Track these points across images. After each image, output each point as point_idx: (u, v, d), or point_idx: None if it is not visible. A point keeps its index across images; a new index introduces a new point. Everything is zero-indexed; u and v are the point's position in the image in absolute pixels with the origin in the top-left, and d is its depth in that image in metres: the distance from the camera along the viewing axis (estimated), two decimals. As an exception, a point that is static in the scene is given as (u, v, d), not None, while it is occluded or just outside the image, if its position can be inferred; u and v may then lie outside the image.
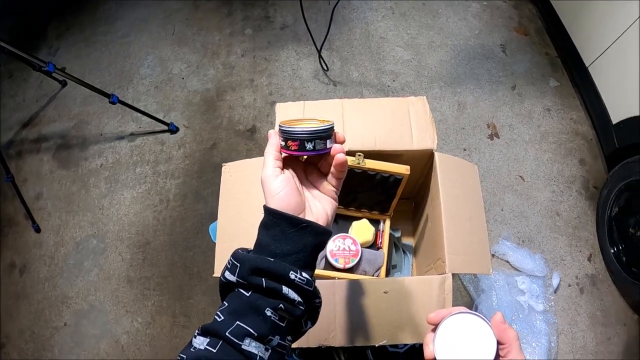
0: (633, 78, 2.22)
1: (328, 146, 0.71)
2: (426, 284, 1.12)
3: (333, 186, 0.75)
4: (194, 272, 2.33)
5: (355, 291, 1.11)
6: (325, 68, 2.85)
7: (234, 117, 2.75)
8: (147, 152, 2.66)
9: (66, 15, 3.34)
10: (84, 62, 3.07)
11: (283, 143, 0.71)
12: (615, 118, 2.35)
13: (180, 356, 0.62)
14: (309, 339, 1.09)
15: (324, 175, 0.76)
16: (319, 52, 2.71)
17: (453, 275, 1.14)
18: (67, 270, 2.40)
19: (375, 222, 1.42)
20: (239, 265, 0.66)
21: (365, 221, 1.39)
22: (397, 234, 1.54)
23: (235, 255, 0.68)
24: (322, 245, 0.72)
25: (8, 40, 2.05)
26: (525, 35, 3.06)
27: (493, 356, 0.63)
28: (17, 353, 2.23)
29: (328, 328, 1.09)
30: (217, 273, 1.14)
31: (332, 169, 0.74)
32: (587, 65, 2.55)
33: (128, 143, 2.70)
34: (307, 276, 0.67)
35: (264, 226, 0.70)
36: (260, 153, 1.23)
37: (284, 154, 0.73)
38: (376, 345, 1.08)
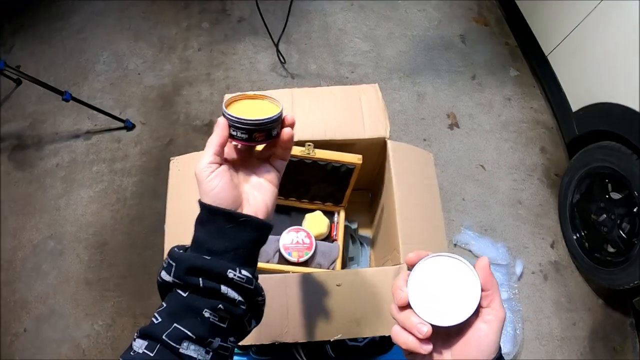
0: (592, 66, 2.24)
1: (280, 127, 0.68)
2: (380, 275, 1.09)
3: (276, 169, 0.71)
4: (154, 271, 2.27)
5: (307, 285, 1.08)
6: (283, 61, 2.83)
7: (191, 113, 2.71)
8: (104, 150, 2.60)
9: (22, 11, 3.23)
10: (38, 59, 2.97)
11: (245, 135, 0.65)
12: (575, 106, 2.37)
13: None
14: (262, 336, 1.06)
15: (265, 159, 0.72)
16: (277, 45, 2.69)
17: (409, 265, 1.11)
18: (26, 274, 2.32)
19: (329, 214, 1.39)
20: (174, 264, 0.62)
21: (319, 213, 1.36)
22: (354, 226, 1.51)
23: (171, 253, 0.64)
24: (263, 240, 0.68)
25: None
26: (484, 25, 3.08)
27: (476, 304, 0.57)
28: (-24, 363, 2.16)
29: (281, 324, 1.06)
30: (167, 271, 1.10)
31: (278, 149, 0.69)
32: (546, 54, 2.57)
33: (84, 141, 2.63)
34: (247, 274, 0.63)
35: (199, 222, 0.65)
36: None
37: (239, 145, 0.68)
38: (331, 340, 1.05)
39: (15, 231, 2.42)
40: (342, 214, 1.40)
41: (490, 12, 3.14)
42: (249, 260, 0.66)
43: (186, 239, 1.10)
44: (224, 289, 0.61)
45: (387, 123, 1.24)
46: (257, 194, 0.68)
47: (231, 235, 0.63)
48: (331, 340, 1.05)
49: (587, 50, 2.26)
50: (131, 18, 3.10)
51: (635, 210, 2.01)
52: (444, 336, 0.60)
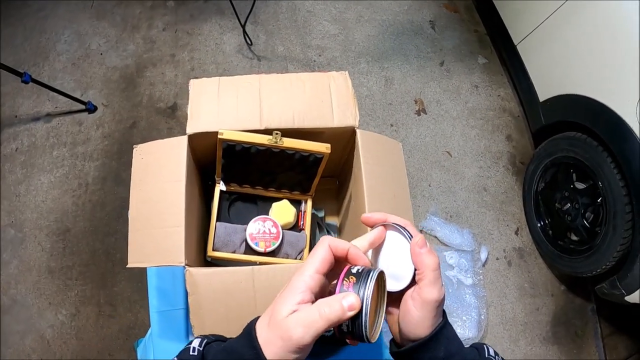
0: (561, 57, 2.27)
1: None
2: (348, 266, 1.09)
3: None
4: (117, 258, 2.25)
5: (275, 276, 1.07)
6: (250, 42, 2.78)
7: (154, 95, 2.64)
8: (64, 133, 2.52)
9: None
10: (-3, 39, 2.85)
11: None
12: (542, 96, 2.40)
13: None
14: (230, 329, 1.04)
15: None
16: (243, 26, 2.62)
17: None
18: (-15, 264, 2.25)
19: (296, 203, 1.37)
20: None
21: (285, 202, 1.34)
22: (321, 214, 1.50)
23: None
24: None
25: None
26: (454, 12, 3.08)
27: (409, 279, 0.62)
28: (-61, 357, 2.10)
29: (248, 316, 1.05)
30: (132, 262, 1.07)
31: None
32: (515, 44, 2.59)
33: (44, 124, 2.54)
34: None
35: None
36: (183, 132, 1.15)
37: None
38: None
39: (-27, 219, 2.34)
40: (310, 202, 1.39)
41: (460, -2, 3.14)
42: None
43: (149, 226, 1.08)
44: None
45: (356, 112, 1.23)
46: None
47: None
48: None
49: (557, 42, 2.28)
50: (94, -5, 2.98)
51: (599, 200, 2.05)
52: (394, 298, 0.64)
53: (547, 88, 2.38)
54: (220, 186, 1.32)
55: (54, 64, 2.72)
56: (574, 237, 2.25)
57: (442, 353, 0.60)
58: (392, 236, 0.66)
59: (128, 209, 1.13)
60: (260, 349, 0.53)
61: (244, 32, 2.68)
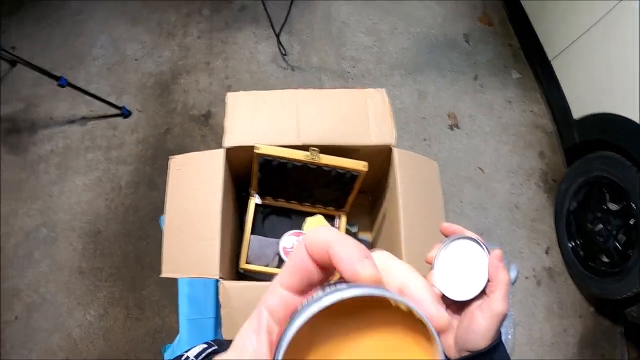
0: (597, 75, 2.22)
1: None
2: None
3: None
4: (147, 262, 2.26)
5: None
6: (284, 52, 2.77)
7: (188, 102, 2.65)
8: (99, 137, 2.55)
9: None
10: (35, 41, 2.88)
11: None
12: (576, 113, 2.36)
13: None
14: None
15: None
16: (278, 35, 2.63)
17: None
18: (17, 261, 2.29)
19: (330, 218, 1.38)
20: None
21: (319, 217, 1.34)
22: (354, 229, 1.49)
23: None
24: None
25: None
26: (489, 25, 3.05)
27: (480, 289, 0.65)
28: (-34, 349, 2.14)
29: (279, 330, 1.05)
30: (166, 271, 1.08)
31: None
32: (550, 59, 2.55)
33: (79, 127, 2.58)
34: None
35: None
36: (216, 140, 1.16)
37: None
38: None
39: (7, 217, 2.37)
40: (344, 218, 1.39)
41: (494, 11, 3.10)
42: None
43: (184, 237, 1.09)
44: None
45: (393, 130, 1.23)
46: None
47: None
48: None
49: (593, 59, 2.24)
50: (130, 1, 3.02)
51: (631, 222, 2.01)
52: (455, 308, 0.68)
53: (582, 106, 2.34)
54: (256, 199, 1.33)
55: (90, 68, 2.76)
56: (605, 259, 2.20)
57: None
58: (468, 246, 0.68)
59: (161, 215, 1.14)
60: None
61: (278, 41, 2.68)
